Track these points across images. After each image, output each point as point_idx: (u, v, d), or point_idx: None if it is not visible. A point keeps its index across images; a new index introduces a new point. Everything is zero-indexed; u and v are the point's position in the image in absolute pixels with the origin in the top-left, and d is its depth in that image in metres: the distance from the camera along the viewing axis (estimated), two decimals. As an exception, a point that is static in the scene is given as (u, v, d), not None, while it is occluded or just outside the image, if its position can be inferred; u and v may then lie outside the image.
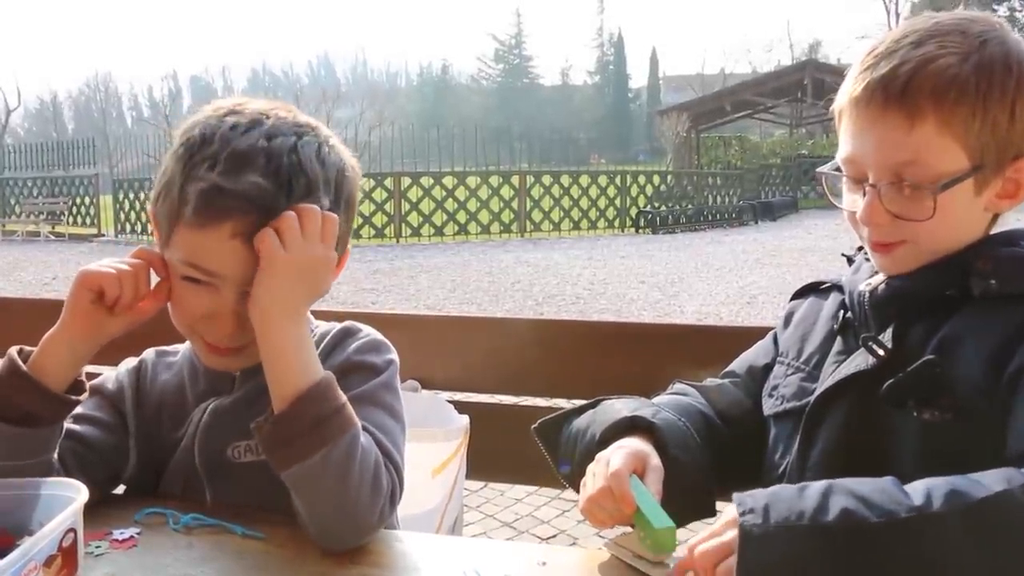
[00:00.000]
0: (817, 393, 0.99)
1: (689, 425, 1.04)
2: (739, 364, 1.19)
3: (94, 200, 19.46)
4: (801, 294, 1.17)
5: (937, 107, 0.89)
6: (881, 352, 0.93)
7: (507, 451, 1.49)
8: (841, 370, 0.97)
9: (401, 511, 1.26)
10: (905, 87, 0.89)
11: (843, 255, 1.12)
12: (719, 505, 0.99)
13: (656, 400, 1.10)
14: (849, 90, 0.95)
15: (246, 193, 0.93)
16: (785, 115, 29.56)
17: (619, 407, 1.03)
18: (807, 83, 25.41)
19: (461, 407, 1.49)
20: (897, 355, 0.92)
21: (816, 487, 0.76)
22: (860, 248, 1.04)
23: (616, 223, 18.41)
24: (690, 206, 18.95)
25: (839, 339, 1.03)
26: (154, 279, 1.02)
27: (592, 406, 1.08)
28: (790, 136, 28.64)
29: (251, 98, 1.05)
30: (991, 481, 0.73)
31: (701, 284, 9.82)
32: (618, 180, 18.75)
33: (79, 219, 19.60)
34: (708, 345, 1.48)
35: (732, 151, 25.80)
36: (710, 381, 1.17)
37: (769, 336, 1.18)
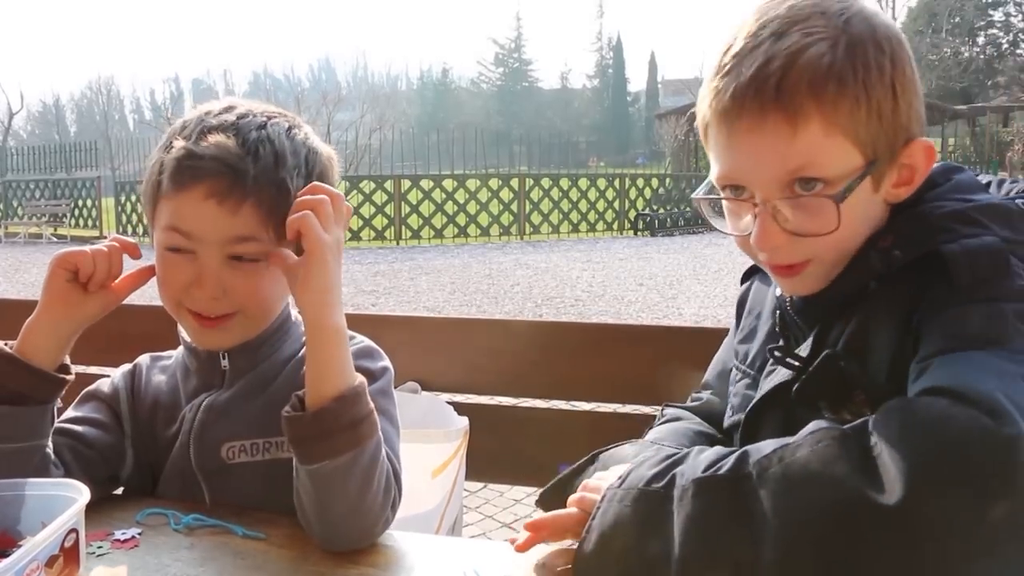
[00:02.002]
0: (747, 409, 0.95)
1: None
2: (711, 372, 1.15)
3: (96, 202, 19.50)
4: (747, 276, 1.10)
5: (819, 104, 0.79)
6: (796, 363, 0.88)
7: (507, 452, 1.49)
8: (765, 384, 0.93)
9: (401, 512, 1.26)
10: (779, 87, 0.79)
11: None
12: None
13: (656, 438, 1.04)
14: (712, 99, 0.84)
15: (214, 154, 0.98)
16: (784, 118, 29.57)
17: (622, 460, 0.96)
18: (805, 86, 25.37)
19: (461, 408, 1.50)
20: (816, 358, 0.86)
21: (675, 456, 0.78)
22: None
23: (615, 226, 18.42)
24: (688, 209, 18.95)
25: (782, 341, 0.95)
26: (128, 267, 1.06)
27: (590, 462, 1.00)
28: (789, 139, 28.64)
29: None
30: (794, 438, 0.70)
31: (699, 286, 9.82)
32: (617, 183, 18.76)
33: (81, 221, 19.64)
34: (707, 347, 1.48)
35: (731, 154, 25.80)
36: (695, 400, 1.15)
37: (730, 333, 1.13)
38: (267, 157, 1.00)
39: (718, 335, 1.51)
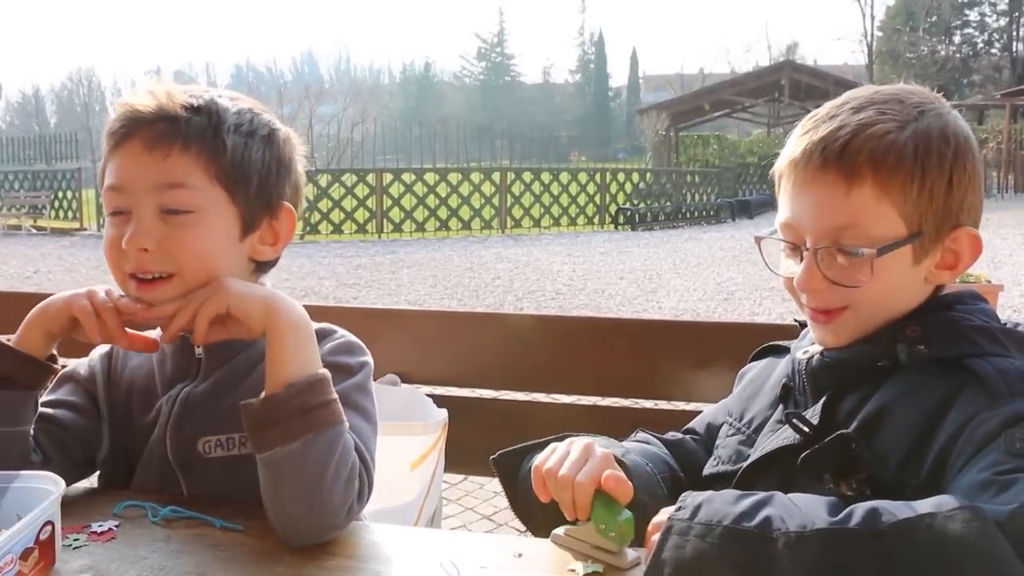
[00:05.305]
0: (746, 464, 0.99)
1: (655, 472, 1.04)
2: (699, 422, 1.18)
3: (76, 194, 19.14)
4: (760, 355, 1.16)
5: (875, 171, 0.89)
6: (806, 428, 0.92)
7: (486, 445, 1.49)
8: (769, 443, 0.97)
9: (379, 504, 1.26)
10: (843, 149, 0.90)
11: (795, 320, 1.11)
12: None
13: (624, 444, 1.09)
14: (788, 152, 0.97)
15: (150, 104, 1.01)
16: (763, 115, 29.69)
17: None
18: (784, 83, 25.49)
19: (440, 401, 1.50)
20: (825, 429, 0.90)
21: (756, 497, 0.77)
22: None
23: (596, 220, 18.45)
24: (669, 203, 19.03)
25: (780, 407, 1.02)
26: None
27: (558, 440, 1.03)
28: (767, 135, 28.75)
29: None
30: (923, 505, 0.71)
31: (679, 280, 9.87)
32: (598, 177, 18.78)
33: (61, 213, 19.31)
34: (686, 340, 1.50)
35: (710, 149, 25.87)
36: (672, 435, 1.17)
37: (731, 395, 1.18)
38: (203, 109, 1.02)
39: (697, 328, 1.53)
